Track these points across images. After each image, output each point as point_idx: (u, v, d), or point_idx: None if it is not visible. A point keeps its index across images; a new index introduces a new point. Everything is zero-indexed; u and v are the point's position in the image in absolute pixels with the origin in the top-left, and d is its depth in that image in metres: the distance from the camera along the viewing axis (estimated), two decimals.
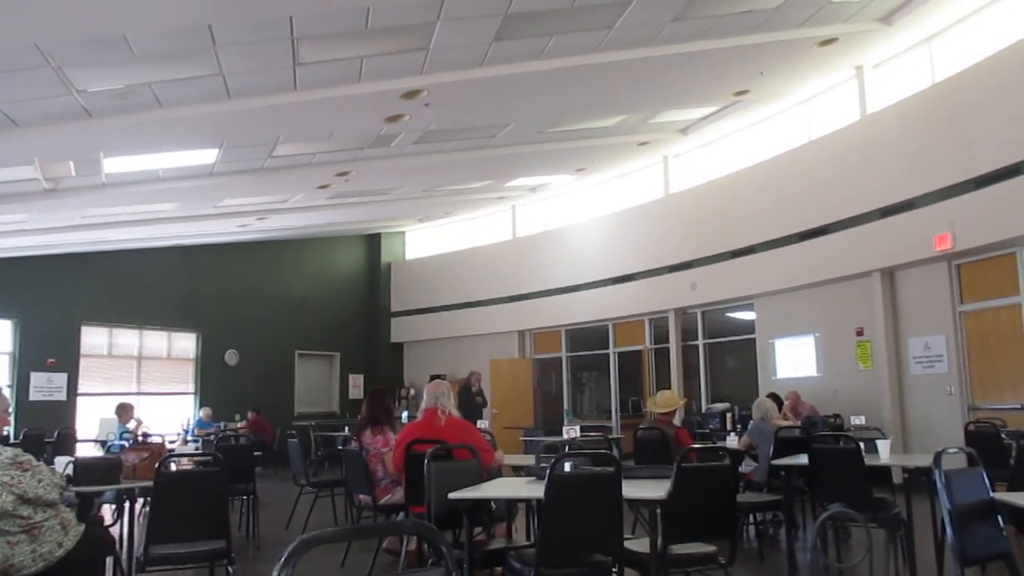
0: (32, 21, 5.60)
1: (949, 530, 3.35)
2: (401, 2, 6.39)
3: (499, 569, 4.30)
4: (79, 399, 14.25)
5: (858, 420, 9.07)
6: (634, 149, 13.31)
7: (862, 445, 5.34)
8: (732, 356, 13.84)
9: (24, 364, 13.79)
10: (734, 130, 12.83)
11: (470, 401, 13.03)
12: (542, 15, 7.12)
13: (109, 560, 4.09)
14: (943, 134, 9.54)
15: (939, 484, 3.40)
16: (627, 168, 14.60)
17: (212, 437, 10.81)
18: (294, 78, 7.54)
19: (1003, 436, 7.03)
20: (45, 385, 13.89)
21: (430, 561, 4.77)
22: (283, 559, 1.43)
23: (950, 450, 3.87)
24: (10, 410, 3.91)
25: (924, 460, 5.07)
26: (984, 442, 6.74)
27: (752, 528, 7.08)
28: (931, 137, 9.69)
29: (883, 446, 5.53)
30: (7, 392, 5.56)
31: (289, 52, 6.90)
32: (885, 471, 5.98)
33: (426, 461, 4.38)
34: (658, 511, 3.84)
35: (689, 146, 13.52)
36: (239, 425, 13.85)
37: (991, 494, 3.59)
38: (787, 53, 9.52)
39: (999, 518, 3.54)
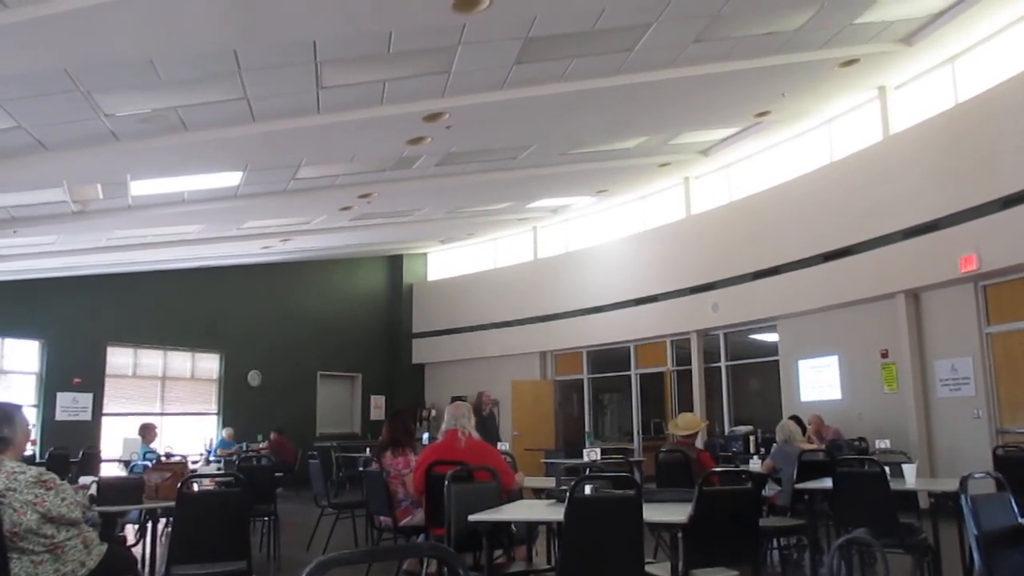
0: (62, 47, 5.72)
1: (977, 557, 3.30)
2: (423, 26, 6.46)
3: None
4: (104, 419, 14.35)
5: (883, 444, 8.95)
6: (655, 170, 13.31)
7: (887, 469, 5.28)
8: (755, 378, 13.72)
9: (51, 384, 13.92)
10: (756, 151, 12.79)
11: (484, 424, 12.79)
12: (562, 38, 7.17)
13: None
14: (968, 154, 9.46)
15: (966, 510, 3.35)
16: (648, 189, 14.60)
17: (234, 457, 10.88)
18: (317, 101, 7.63)
19: None
20: (71, 405, 14.01)
21: None
22: None
23: (977, 475, 3.82)
24: (30, 428, 3.95)
25: (951, 485, 5.01)
26: (1013, 467, 6.63)
27: (775, 553, 6.97)
28: (955, 157, 9.61)
29: (909, 470, 5.47)
30: (28, 411, 5.65)
31: (313, 76, 6.99)
32: (911, 496, 5.92)
33: (446, 483, 4.38)
34: (679, 535, 3.81)
35: (710, 167, 13.50)
36: (261, 446, 13.91)
37: (1020, 520, 3.53)
38: (808, 74, 9.51)
39: None
